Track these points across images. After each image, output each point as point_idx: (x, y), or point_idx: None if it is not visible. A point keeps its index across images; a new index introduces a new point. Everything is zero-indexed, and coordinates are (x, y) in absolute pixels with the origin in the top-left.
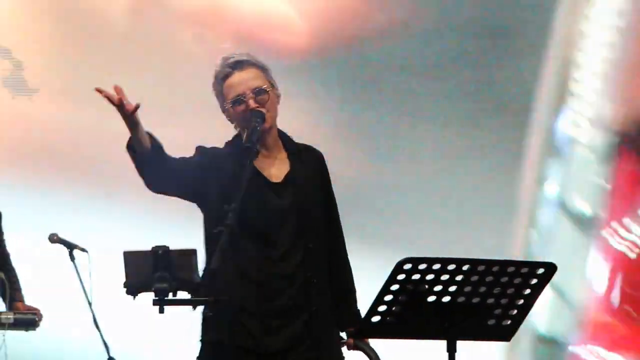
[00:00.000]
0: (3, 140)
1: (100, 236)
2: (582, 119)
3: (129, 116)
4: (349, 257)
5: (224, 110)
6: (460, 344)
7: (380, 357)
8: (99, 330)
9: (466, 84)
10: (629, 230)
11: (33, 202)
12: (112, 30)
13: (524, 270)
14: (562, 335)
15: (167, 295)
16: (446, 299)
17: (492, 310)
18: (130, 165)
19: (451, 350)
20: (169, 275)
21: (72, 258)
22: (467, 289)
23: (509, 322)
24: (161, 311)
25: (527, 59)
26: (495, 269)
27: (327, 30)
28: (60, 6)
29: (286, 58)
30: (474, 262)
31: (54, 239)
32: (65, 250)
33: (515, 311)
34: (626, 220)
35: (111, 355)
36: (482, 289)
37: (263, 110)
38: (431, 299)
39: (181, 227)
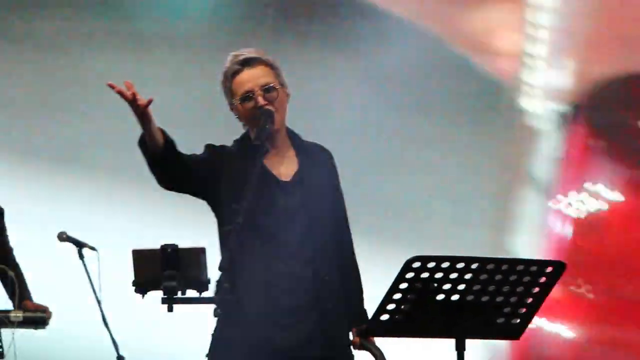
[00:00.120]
0: (10, 138)
1: (109, 234)
2: (535, 90)
3: (142, 111)
4: (358, 256)
5: (232, 108)
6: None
7: (385, 357)
8: (108, 329)
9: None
10: (579, 200)
11: (42, 200)
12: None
13: (533, 268)
14: None
15: (176, 294)
16: (455, 297)
17: (501, 309)
18: (140, 162)
19: (460, 349)
20: (177, 274)
21: (81, 256)
22: (476, 287)
23: (517, 320)
24: (170, 309)
25: None
26: (504, 267)
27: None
28: None
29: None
30: (483, 261)
31: (63, 237)
32: (74, 249)
33: (524, 310)
34: (577, 189)
35: (120, 353)
36: (491, 288)
37: (272, 108)
38: (440, 297)
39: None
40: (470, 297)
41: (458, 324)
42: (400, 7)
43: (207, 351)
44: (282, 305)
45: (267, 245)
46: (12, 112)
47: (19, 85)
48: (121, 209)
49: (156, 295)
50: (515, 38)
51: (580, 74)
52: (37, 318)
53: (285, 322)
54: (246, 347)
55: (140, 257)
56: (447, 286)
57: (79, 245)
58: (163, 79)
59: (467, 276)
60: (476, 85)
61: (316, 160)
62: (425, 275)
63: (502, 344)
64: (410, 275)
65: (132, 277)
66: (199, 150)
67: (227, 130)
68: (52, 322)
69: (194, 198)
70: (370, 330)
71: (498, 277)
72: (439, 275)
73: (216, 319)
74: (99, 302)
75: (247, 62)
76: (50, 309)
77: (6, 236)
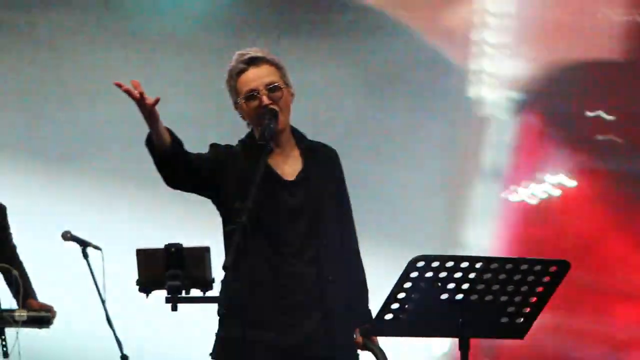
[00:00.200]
0: (16, 137)
1: (113, 234)
2: (488, 78)
3: (149, 111)
4: (363, 255)
5: (237, 107)
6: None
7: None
8: (112, 328)
9: None
10: (532, 188)
11: (46, 199)
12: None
13: (537, 268)
14: None
15: (180, 293)
16: (459, 296)
17: (505, 308)
18: (145, 161)
19: (464, 348)
20: (182, 273)
21: (86, 255)
22: (480, 286)
23: (521, 320)
24: (174, 308)
25: None
26: (508, 266)
27: None
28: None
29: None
30: (487, 260)
31: (67, 236)
32: (78, 248)
33: (528, 309)
34: (531, 178)
35: (124, 352)
36: (495, 287)
37: (276, 108)
38: (444, 296)
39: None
40: (474, 297)
41: (462, 324)
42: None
43: (210, 350)
44: (285, 305)
45: (270, 244)
46: (15, 111)
47: (22, 84)
48: (126, 208)
49: (160, 294)
50: (468, 25)
51: (533, 62)
52: (42, 317)
53: (289, 321)
54: (250, 346)
55: (145, 257)
56: (451, 285)
57: (83, 244)
58: (167, 78)
59: (471, 275)
60: (428, 73)
61: (321, 159)
62: (429, 274)
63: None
64: (414, 274)
65: (136, 277)
66: (204, 149)
67: (233, 130)
68: (56, 321)
69: (199, 197)
70: (374, 329)
71: (502, 276)
72: (443, 274)
73: (220, 318)
74: (103, 301)
75: (253, 61)
76: (55, 308)
77: (9, 234)
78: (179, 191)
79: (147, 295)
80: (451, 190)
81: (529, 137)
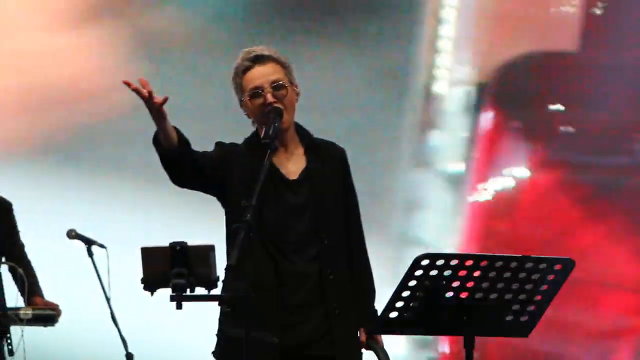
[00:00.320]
0: (20, 135)
1: (118, 232)
2: (444, 72)
3: (157, 109)
4: (370, 254)
5: (242, 104)
6: None
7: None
8: (117, 326)
9: None
10: (490, 182)
11: (51, 197)
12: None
13: (542, 266)
14: None
15: (185, 291)
16: (463, 295)
17: (510, 306)
18: (150, 160)
19: (469, 346)
20: (186, 271)
21: (90, 254)
22: (485, 285)
23: (526, 318)
24: (179, 307)
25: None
26: (513, 264)
27: None
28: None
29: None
30: (491, 258)
31: (72, 234)
32: (83, 246)
33: (533, 307)
34: (488, 171)
35: (129, 350)
36: (500, 285)
37: (281, 106)
38: (448, 295)
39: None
40: (478, 295)
41: (466, 322)
42: None
43: (213, 348)
44: (287, 304)
45: (273, 243)
46: (19, 109)
47: (26, 83)
48: (130, 207)
49: (165, 292)
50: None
51: (488, 55)
52: (47, 315)
53: (291, 320)
54: (252, 345)
55: (149, 255)
56: (455, 284)
57: (88, 242)
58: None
59: (476, 274)
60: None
61: (326, 157)
62: (433, 272)
63: None
64: (418, 272)
65: (141, 275)
66: (210, 147)
67: (238, 128)
68: (61, 319)
69: (204, 195)
70: (379, 328)
71: (507, 274)
72: (447, 272)
73: (223, 316)
74: (107, 299)
75: (258, 59)
76: (60, 307)
77: (17, 232)
78: (184, 189)
79: (152, 294)
80: (410, 187)
81: (485, 130)
